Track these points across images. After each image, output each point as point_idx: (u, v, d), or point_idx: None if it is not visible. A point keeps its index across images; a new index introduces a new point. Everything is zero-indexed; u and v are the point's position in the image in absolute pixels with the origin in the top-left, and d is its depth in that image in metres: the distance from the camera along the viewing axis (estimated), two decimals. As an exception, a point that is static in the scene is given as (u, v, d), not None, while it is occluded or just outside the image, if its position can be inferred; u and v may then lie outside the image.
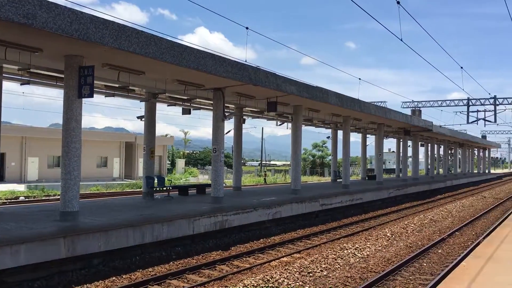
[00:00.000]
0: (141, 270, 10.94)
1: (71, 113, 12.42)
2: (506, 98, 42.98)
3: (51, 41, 11.07)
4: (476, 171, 77.51)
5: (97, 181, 39.92)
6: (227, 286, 9.65)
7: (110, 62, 13.30)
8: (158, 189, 20.06)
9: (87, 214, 13.78)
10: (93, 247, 10.87)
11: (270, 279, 9.70)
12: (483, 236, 15.09)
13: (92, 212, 14.55)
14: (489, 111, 44.27)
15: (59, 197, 15.58)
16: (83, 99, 12.75)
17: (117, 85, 16.65)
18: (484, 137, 75.09)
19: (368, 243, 14.26)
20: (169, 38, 12.99)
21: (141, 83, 16.70)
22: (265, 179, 47.45)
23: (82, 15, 10.55)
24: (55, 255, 10.08)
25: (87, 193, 29.23)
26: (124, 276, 10.37)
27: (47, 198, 26.61)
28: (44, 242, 9.92)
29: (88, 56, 12.54)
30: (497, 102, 42.74)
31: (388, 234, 15.93)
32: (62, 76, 13.07)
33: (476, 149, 77.06)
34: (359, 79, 31.08)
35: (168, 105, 21.44)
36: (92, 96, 12.50)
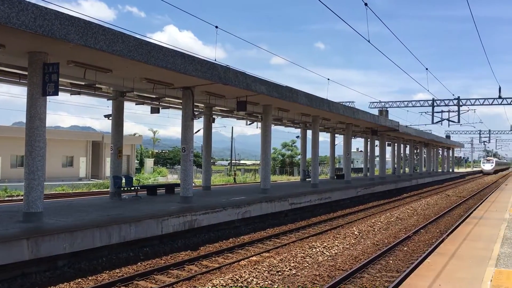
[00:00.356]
0: (108, 271, 10.75)
1: (35, 111, 12.09)
2: (469, 99, 44.26)
3: (14, 37, 10.74)
4: (440, 170, 79.49)
5: (63, 181, 39.03)
6: (196, 286, 9.59)
7: (76, 59, 13.00)
8: (125, 189, 19.75)
9: (51, 215, 13.45)
10: (58, 248, 10.61)
11: (239, 279, 9.69)
12: (446, 234, 15.49)
13: (57, 212, 14.21)
14: (453, 111, 45.46)
15: (22, 197, 15.15)
16: (48, 97, 12.44)
17: (83, 83, 16.32)
18: (448, 137, 77.10)
19: (336, 241, 14.43)
20: (137, 36, 12.82)
21: (108, 81, 16.40)
22: (234, 178, 47.42)
23: (46, 11, 10.28)
24: (18, 257, 9.80)
25: (52, 193, 28.53)
26: (90, 278, 10.17)
27: (10, 198, 25.84)
28: (7, 244, 9.63)
29: (53, 53, 12.22)
30: (461, 103, 43.92)
31: (355, 233, 16.16)
32: (26, 73, 12.72)
33: (440, 149, 79.05)
34: (328, 79, 31.50)
35: (136, 104, 21.16)
36: (57, 94, 12.21)
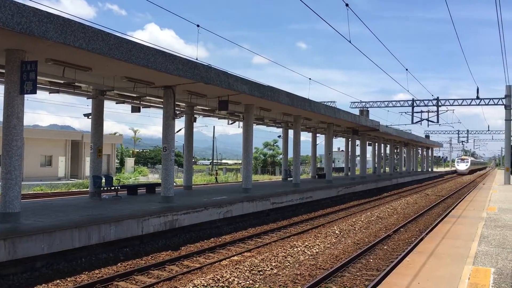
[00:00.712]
0: (87, 272, 10.61)
1: (12, 110, 11.87)
2: (447, 100, 44.96)
3: (-10, 34, 10.52)
4: (420, 170, 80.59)
5: (41, 181, 38.41)
6: (176, 287, 9.54)
7: (54, 57, 12.80)
8: (105, 188, 19.54)
9: (29, 215, 13.22)
10: (36, 249, 10.44)
11: (220, 279, 9.67)
12: (426, 232, 15.70)
13: (35, 213, 13.98)
14: (432, 112, 46.14)
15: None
16: (26, 95, 12.23)
17: (62, 81, 16.07)
18: (427, 137, 78.24)
19: (318, 240, 14.51)
20: (117, 34, 12.68)
21: (88, 79, 16.20)
22: (216, 178, 47.28)
23: (24, 8, 10.09)
24: (-6, 259, 9.61)
25: (30, 193, 28.05)
26: (69, 279, 10.02)
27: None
28: (-18, 245, 9.43)
29: (31, 50, 12.02)
30: (440, 104, 44.61)
31: (336, 232, 16.27)
32: (3, 71, 12.47)
33: (420, 149, 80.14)
34: (309, 79, 31.58)
35: (117, 103, 20.93)
36: (35, 93, 12.00)
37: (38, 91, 12.19)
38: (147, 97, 20.02)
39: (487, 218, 16.60)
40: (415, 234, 16.62)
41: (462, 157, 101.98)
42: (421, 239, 13.89)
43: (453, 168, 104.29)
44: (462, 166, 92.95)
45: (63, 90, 17.18)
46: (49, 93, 17.38)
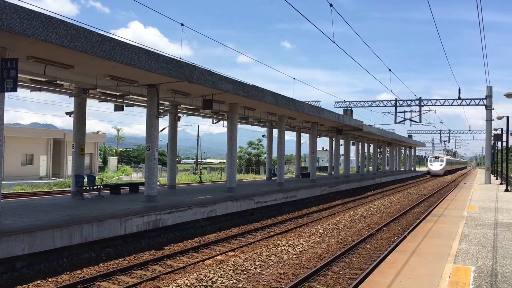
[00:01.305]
0: (68, 272, 10.49)
1: (-8, 107, 11.67)
2: (430, 100, 45.53)
3: (-31, 31, 10.32)
4: (403, 169, 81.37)
5: (22, 180, 37.83)
6: (159, 287, 9.48)
7: (36, 54, 12.62)
8: (88, 188, 19.32)
9: (10, 215, 13.01)
10: (16, 249, 10.27)
11: (204, 278, 9.64)
12: (408, 231, 15.87)
13: (16, 212, 13.76)
14: (415, 112, 46.70)
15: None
16: (6, 93, 12.03)
17: (43, 79, 15.85)
18: (410, 136, 79.02)
19: (301, 239, 14.56)
20: (100, 32, 12.54)
21: (70, 77, 15.99)
22: (200, 177, 47.14)
23: (4, 5, 9.92)
24: (-27, 260, 9.43)
25: (10, 192, 27.62)
26: (50, 280, 9.89)
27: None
28: (-39, 246, 9.25)
29: (12, 48, 11.82)
30: (422, 104, 45.14)
31: (320, 231, 16.35)
32: (-18, 68, 12.24)
33: (403, 148, 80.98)
34: (294, 78, 31.66)
35: (99, 101, 20.71)
36: (15, 90, 11.82)
37: (19, 89, 12.01)
38: (131, 96, 19.85)
39: (468, 217, 16.84)
40: (398, 233, 16.79)
41: (437, 155, 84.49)
42: (403, 238, 14.04)
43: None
44: (436, 166, 78.44)
45: (44, 88, 16.94)
46: (30, 91, 17.12)
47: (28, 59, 12.69)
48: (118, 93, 19.13)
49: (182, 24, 17.82)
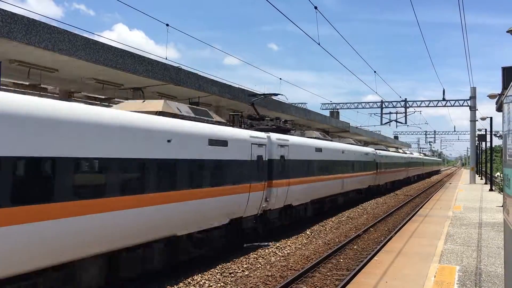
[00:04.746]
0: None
1: (-25, 112, 11.50)
2: (415, 101, 46.02)
3: (-50, 34, 10.19)
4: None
5: None
6: (146, 291, 9.41)
7: (19, 58, 12.49)
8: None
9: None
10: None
11: (191, 281, 9.60)
12: (394, 232, 15.98)
13: None
14: (400, 113, 47.11)
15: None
16: (-11, 98, 11.86)
17: (27, 83, 15.69)
18: (396, 137, 79.71)
19: (289, 241, 14.58)
20: (85, 35, 12.48)
21: (54, 81, 15.85)
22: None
23: (-14, 7, 9.82)
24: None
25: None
26: None
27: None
28: None
29: (-6, 51, 11.69)
30: (408, 105, 45.58)
31: (307, 232, 16.38)
32: (-36, 72, 12.08)
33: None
34: (280, 79, 31.76)
35: (85, 105, 20.54)
36: (-2, 94, 11.65)
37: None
38: (116, 99, 19.73)
39: (453, 217, 17.04)
40: (384, 233, 16.89)
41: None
42: (390, 238, 14.14)
43: None
44: None
45: (28, 92, 16.76)
46: (14, 95, 16.91)
47: (12, 62, 12.56)
48: (103, 97, 19.01)
49: (167, 25, 17.75)
